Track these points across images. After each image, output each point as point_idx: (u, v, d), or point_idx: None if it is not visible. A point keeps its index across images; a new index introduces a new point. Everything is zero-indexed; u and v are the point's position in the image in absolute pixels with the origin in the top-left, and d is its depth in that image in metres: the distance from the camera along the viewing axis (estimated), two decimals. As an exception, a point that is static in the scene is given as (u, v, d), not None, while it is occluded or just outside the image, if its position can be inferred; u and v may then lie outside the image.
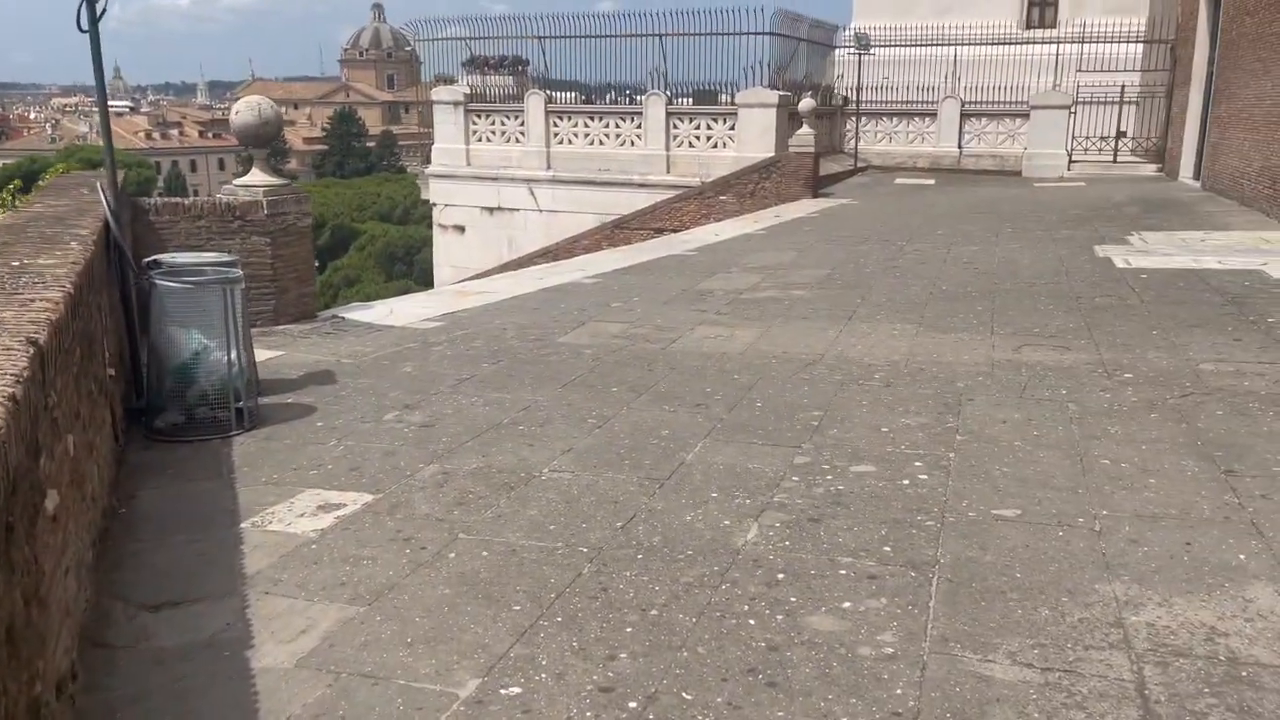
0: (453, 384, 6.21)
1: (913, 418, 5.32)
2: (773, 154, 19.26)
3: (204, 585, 3.44)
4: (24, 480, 2.14)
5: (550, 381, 6.24)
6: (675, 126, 20.73)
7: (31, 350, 2.33)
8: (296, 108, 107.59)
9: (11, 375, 2.08)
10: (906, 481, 4.37)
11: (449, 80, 24.56)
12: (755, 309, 8.57)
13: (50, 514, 2.55)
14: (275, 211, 7.89)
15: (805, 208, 17.31)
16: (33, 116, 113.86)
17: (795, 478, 4.44)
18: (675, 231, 18.88)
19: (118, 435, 4.67)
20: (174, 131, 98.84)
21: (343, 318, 8.40)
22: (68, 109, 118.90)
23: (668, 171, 20.79)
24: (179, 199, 7.66)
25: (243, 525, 3.96)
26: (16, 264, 3.40)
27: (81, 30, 5.08)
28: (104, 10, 5.13)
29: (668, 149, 20.79)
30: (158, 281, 5.06)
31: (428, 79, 26.11)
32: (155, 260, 5.56)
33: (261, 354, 6.92)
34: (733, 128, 20.10)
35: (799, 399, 5.74)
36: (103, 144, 5.52)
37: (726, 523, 3.95)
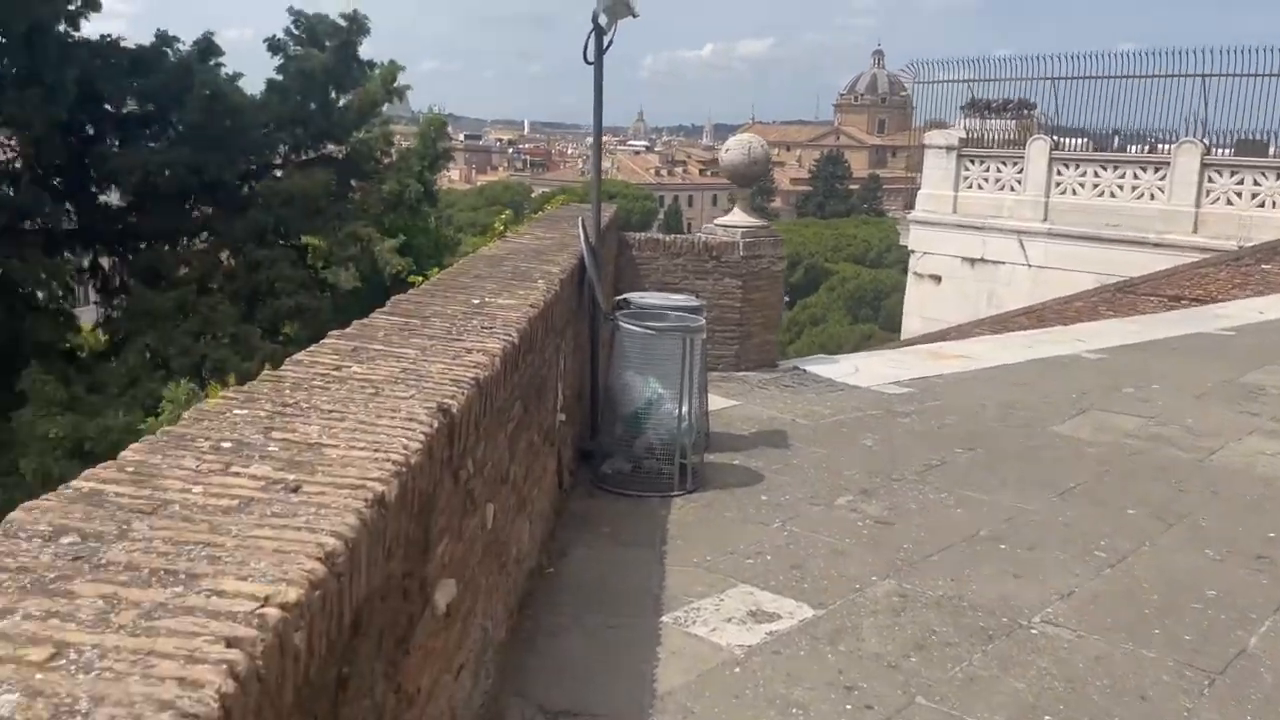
0: (919, 469, 5.29)
1: None
2: (1346, 218, 15.56)
3: (607, 695, 2.94)
4: (390, 596, 1.71)
5: (1041, 485, 5.07)
6: (1210, 180, 17.67)
7: (437, 422, 1.93)
8: (788, 149, 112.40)
9: (394, 462, 1.65)
10: None
11: (941, 124, 23.44)
12: (1332, 421, 6.51)
13: (442, 611, 2.15)
14: (750, 254, 7.56)
15: (1389, 287, 13.63)
16: (570, 152, 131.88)
17: None
18: (1199, 302, 15.99)
19: (562, 481, 4.45)
20: (678, 169, 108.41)
21: (803, 370, 7.85)
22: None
23: (1194, 231, 17.78)
24: (659, 236, 7.65)
25: (664, 619, 3.43)
26: (477, 302, 3.21)
27: (587, 62, 5.02)
28: (609, 44, 5.04)
29: (1197, 205, 17.78)
30: (620, 324, 4.82)
31: (919, 123, 25.20)
32: (624, 299, 5.39)
33: (717, 402, 6.57)
34: (1290, 184, 16.62)
35: None
36: (591, 178, 5.46)
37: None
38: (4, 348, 10.72)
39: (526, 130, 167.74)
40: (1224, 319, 11.38)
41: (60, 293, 12.07)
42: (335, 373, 2.18)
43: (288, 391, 1.99)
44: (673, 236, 7.83)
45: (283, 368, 2.20)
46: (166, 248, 12.18)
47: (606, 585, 3.73)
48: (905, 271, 23.77)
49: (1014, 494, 4.92)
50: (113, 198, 12.32)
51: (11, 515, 1.31)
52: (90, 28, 11.85)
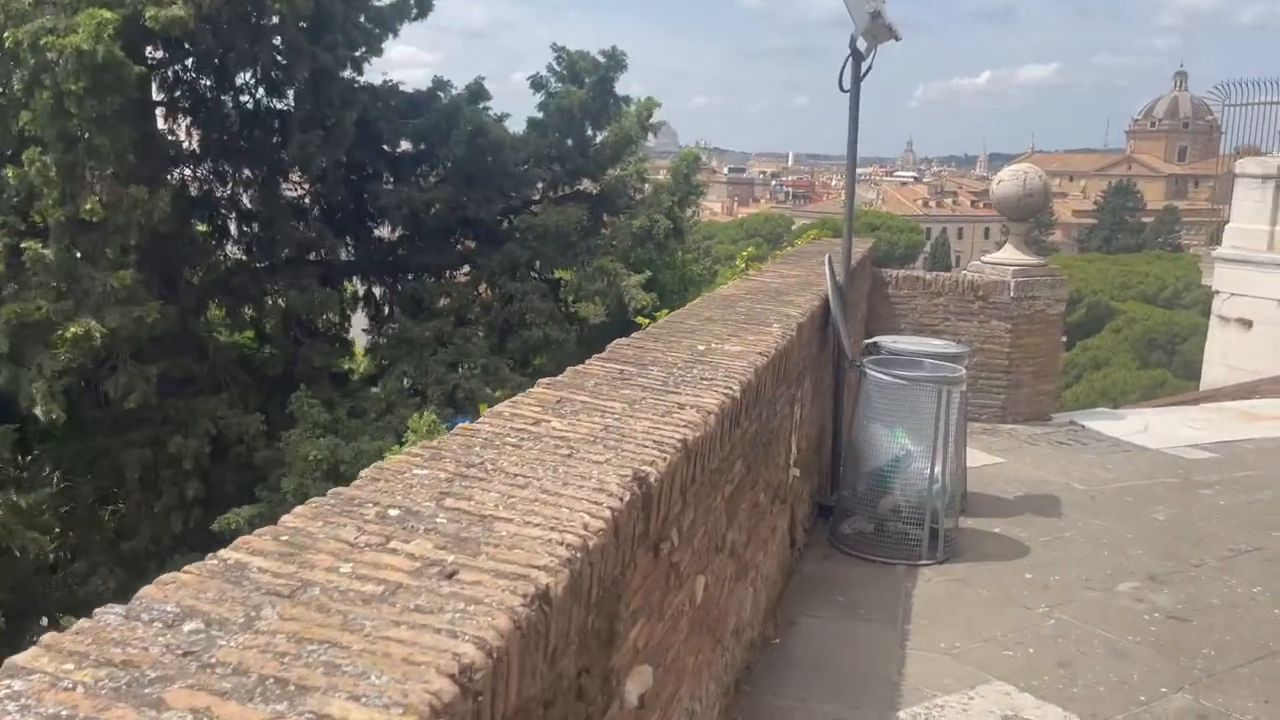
0: (1224, 554, 4.48)
1: None
2: None
3: (828, 804, 2.58)
4: (558, 701, 1.49)
5: (1392, 588, 4.12)
6: None
7: (630, 493, 1.70)
8: (1071, 179, 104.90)
9: (569, 545, 1.43)
10: None
11: (1255, 151, 20.80)
12: None
13: (634, 704, 1.91)
14: (1022, 295, 6.87)
15: None
16: (833, 184, 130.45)
17: None
18: None
19: (794, 540, 4.11)
20: (949, 200, 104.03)
21: (1082, 426, 7.01)
22: (863, 178, 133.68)
23: None
24: (919, 273, 7.12)
25: (901, 715, 3.01)
26: (702, 348, 2.97)
27: (843, 90, 4.70)
28: (868, 70, 4.69)
29: None
30: (868, 371, 4.42)
31: (1228, 150, 22.49)
32: (874, 343, 4.98)
33: (978, 458, 5.97)
34: None
35: None
36: (844, 212, 5.11)
37: None
38: (283, 372, 11.83)
39: (790, 162, 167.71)
40: None
41: (336, 320, 13.18)
42: (532, 428, 2.01)
43: (477, 449, 1.84)
44: (934, 274, 7.27)
45: (481, 419, 2.07)
46: (430, 279, 12.98)
47: (838, 665, 3.35)
48: (1206, 314, 21.19)
49: (1353, 596, 4.02)
50: (387, 231, 13.36)
51: (143, 591, 1.21)
52: (384, 75, 13.00)
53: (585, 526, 1.54)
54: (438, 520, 1.50)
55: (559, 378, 2.44)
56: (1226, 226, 20.47)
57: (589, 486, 1.70)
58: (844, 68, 4.67)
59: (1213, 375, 19.93)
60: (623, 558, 1.71)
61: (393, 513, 1.51)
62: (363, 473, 1.67)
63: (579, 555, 1.45)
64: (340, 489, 1.59)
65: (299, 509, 1.50)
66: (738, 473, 2.75)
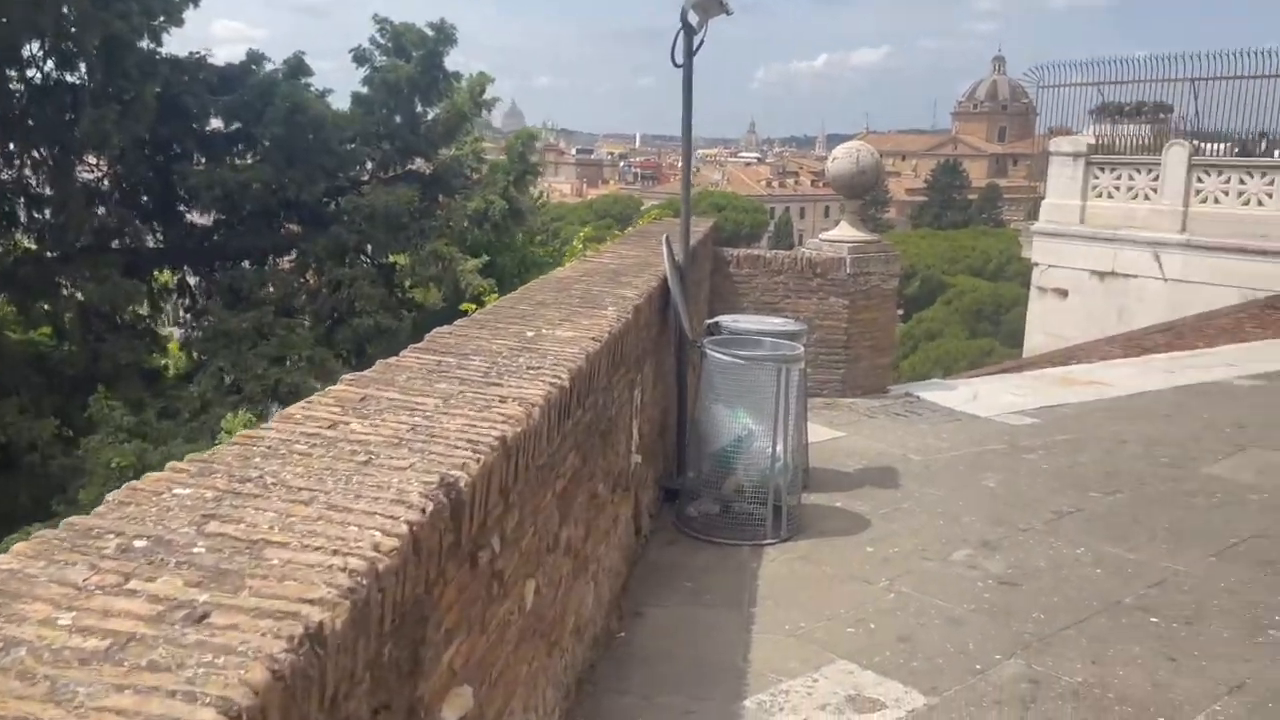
0: (1049, 517, 4.66)
1: None
2: None
3: (673, 806, 2.47)
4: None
5: (1196, 540, 4.37)
6: (1375, 185, 16.11)
7: (433, 504, 1.52)
8: (904, 159, 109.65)
9: (353, 571, 1.24)
10: None
11: (1068, 131, 22.15)
12: None
13: (449, 728, 1.73)
14: (858, 271, 6.99)
15: None
16: (681, 164, 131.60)
17: None
18: (1361, 320, 14.55)
19: (640, 527, 4.01)
20: (791, 180, 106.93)
21: (917, 397, 7.22)
22: (708, 159, 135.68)
23: (1355, 241, 16.22)
24: (759, 252, 7.15)
25: (747, 703, 2.95)
26: (531, 334, 2.80)
27: (675, 64, 4.60)
28: (700, 44, 4.60)
29: (1359, 213, 16.22)
30: (707, 352, 4.35)
31: (1043, 130, 23.90)
32: (716, 323, 4.93)
33: (820, 433, 6.04)
34: None
35: None
36: (681, 189, 5.02)
37: None
38: (85, 371, 10.91)
39: (638, 143, 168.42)
40: (1399, 340, 10.15)
41: (145, 313, 12.26)
42: (327, 432, 1.79)
43: (256, 460, 1.61)
44: (773, 253, 7.32)
45: (269, 423, 1.83)
46: (251, 266, 12.24)
47: (684, 656, 3.27)
48: (1027, 285, 22.50)
49: (1164, 550, 4.24)
50: (200, 216, 12.49)
51: None
52: (206, 50, 12.07)
53: (376, 547, 1.35)
54: (195, 550, 1.28)
55: (366, 372, 2.22)
56: (1043, 203, 21.78)
57: (386, 498, 1.51)
58: (675, 42, 4.57)
59: (1034, 342, 21.20)
60: (427, 576, 1.53)
61: (139, 544, 1.28)
62: (109, 496, 1.42)
63: (366, 582, 1.26)
64: (77, 518, 1.34)
65: (18, 545, 1.25)
66: (571, 466, 2.60)
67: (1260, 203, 17.75)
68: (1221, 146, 19.19)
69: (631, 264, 4.47)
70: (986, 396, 7.30)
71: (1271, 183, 17.46)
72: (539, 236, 15.06)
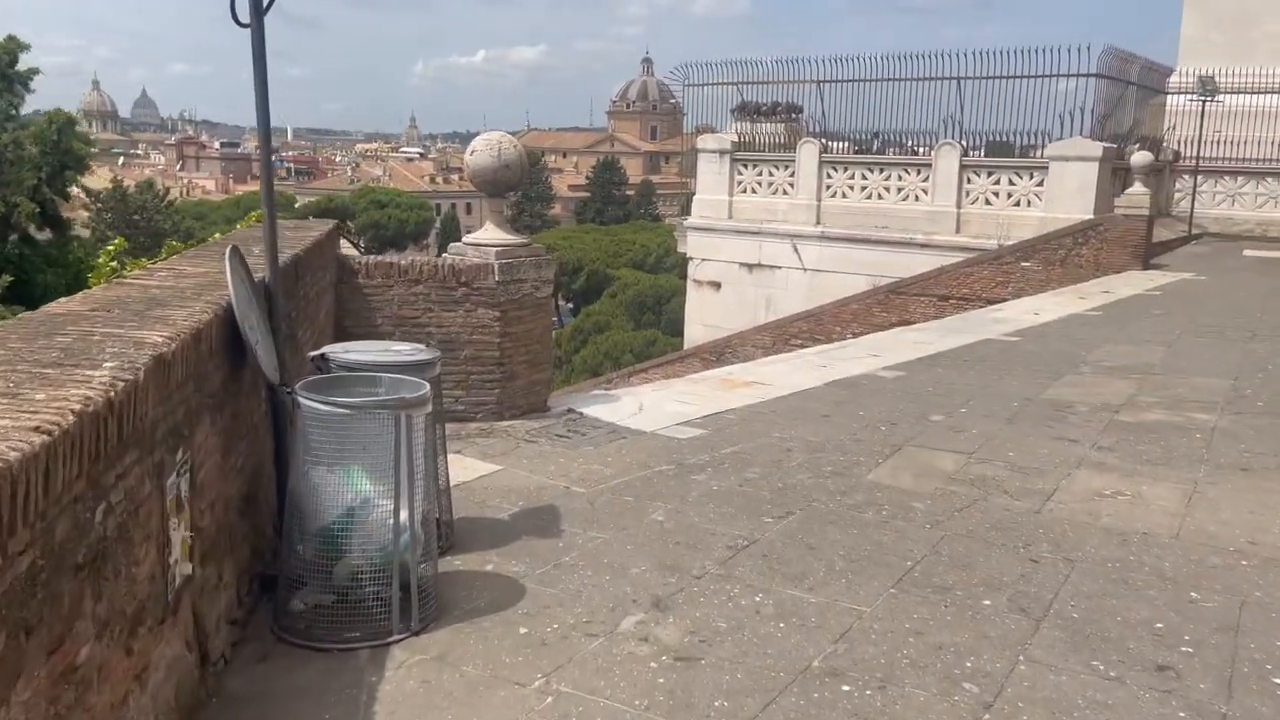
0: (724, 555, 4.13)
1: None
2: (1091, 215, 16.14)
3: None
4: None
5: (873, 568, 4.02)
6: (969, 181, 18.04)
7: None
8: (565, 156, 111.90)
9: None
10: None
11: (712, 129, 23.06)
12: (1154, 444, 5.94)
13: None
14: (509, 278, 6.22)
15: (1138, 282, 14.12)
16: (338, 160, 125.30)
17: None
18: (965, 300, 16.20)
19: (208, 654, 2.91)
20: (455, 176, 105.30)
21: (580, 413, 6.59)
22: (368, 154, 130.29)
23: (957, 231, 18.09)
24: (392, 259, 6.15)
25: None
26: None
27: (240, 24, 3.51)
28: (270, 2, 3.54)
29: (959, 206, 18.10)
30: (301, 399, 3.32)
31: (690, 129, 24.79)
32: (322, 355, 3.90)
33: (473, 468, 5.20)
34: (1041, 184, 17.14)
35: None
36: (262, 187, 3.92)
37: None
38: None
39: (290, 137, 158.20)
40: (1004, 322, 11.14)
41: None
42: None
43: None
44: (411, 259, 6.35)
45: None
46: None
47: None
48: (685, 277, 23.18)
49: (844, 587, 3.83)
50: None
51: None
52: None
53: None
54: None
55: None
56: (694, 198, 22.46)
57: None
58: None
59: (693, 333, 21.84)
60: None
61: None
62: None
63: None
64: None
65: None
66: (46, 618, 1.52)
67: (880, 196, 19.34)
68: (844, 145, 20.78)
69: (190, 286, 3.33)
70: (651, 408, 6.83)
71: (888, 178, 19.10)
72: (171, 240, 12.84)
